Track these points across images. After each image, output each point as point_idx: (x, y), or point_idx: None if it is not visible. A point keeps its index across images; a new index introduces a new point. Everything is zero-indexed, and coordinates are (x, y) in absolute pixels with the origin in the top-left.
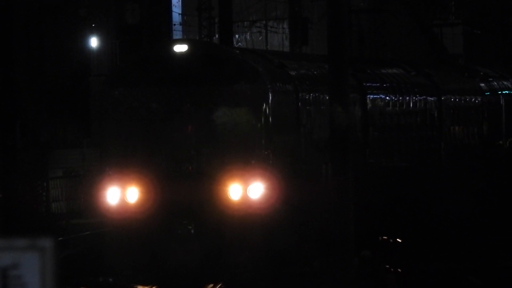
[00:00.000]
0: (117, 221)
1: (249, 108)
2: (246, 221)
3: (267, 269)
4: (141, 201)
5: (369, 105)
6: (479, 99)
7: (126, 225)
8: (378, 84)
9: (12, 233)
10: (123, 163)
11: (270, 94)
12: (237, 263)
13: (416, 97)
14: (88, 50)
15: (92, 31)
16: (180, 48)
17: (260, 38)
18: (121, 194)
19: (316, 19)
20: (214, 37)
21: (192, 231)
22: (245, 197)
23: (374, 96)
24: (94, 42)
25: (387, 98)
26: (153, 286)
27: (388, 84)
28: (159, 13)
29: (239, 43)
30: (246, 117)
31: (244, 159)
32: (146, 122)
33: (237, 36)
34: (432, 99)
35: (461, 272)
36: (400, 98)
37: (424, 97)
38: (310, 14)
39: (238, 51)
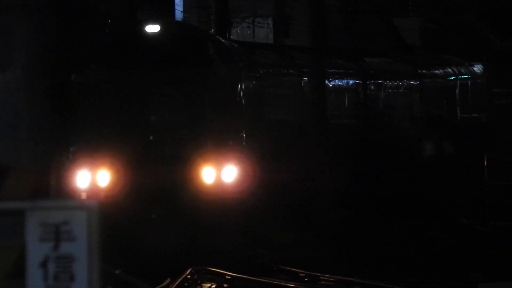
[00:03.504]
0: None
1: (224, 89)
2: (221, 205)
3: (245, 255)
4: (113, 185)
5: None
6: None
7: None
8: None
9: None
10: (94, 147)
11: (244, 75)
12: (212, 248)
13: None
14: None
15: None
16: (152, 28)
17: (248, 32)
18: (92, 178)
19: (297, 15)
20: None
21: (166, 216)
22: (218, 181)
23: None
24: None
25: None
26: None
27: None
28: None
29: (231, 36)
30: (220, 98)
31: (219, 141)
32: (119, 105)
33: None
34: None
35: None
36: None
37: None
38: (291, 11)
39: (211, 32)
